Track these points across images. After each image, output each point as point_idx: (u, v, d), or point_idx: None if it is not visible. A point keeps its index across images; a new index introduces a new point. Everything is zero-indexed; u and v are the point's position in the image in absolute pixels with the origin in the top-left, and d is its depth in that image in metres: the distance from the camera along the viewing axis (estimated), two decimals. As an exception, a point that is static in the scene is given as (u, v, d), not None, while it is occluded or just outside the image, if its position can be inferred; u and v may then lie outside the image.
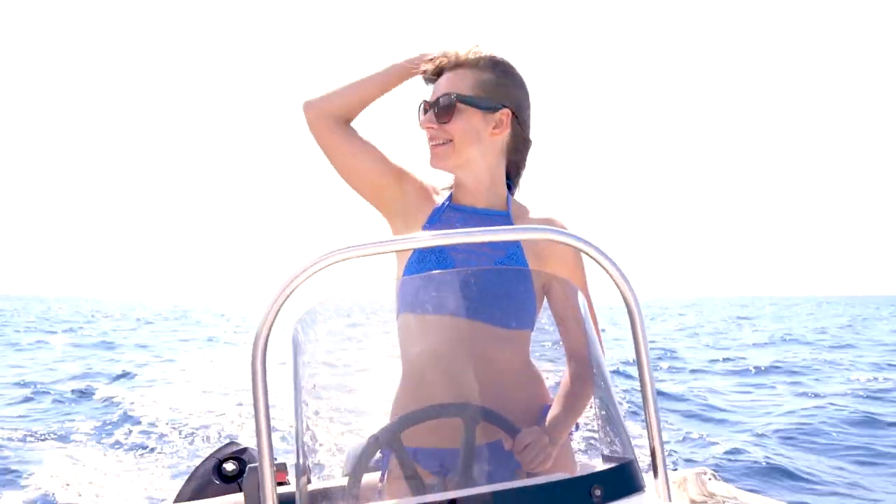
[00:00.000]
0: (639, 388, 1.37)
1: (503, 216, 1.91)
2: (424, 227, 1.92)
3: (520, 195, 2.00)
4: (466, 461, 1.38)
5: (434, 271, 1.75)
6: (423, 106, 1.90)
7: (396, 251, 1.87)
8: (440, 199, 1.97)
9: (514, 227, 1.55)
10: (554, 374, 1.68)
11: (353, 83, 1.95)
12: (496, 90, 1.87)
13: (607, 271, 1.37)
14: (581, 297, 1.63)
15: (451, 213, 1.92)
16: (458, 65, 1.88)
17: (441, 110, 1.85)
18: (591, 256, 1.38)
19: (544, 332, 1.73)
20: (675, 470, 3.07)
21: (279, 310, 1.22)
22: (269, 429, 1.22)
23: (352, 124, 1.97)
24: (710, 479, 2.99)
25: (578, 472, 1.39)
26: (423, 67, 1.92)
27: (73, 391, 13.74)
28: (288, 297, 1.23)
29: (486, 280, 1.63)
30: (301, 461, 1.31)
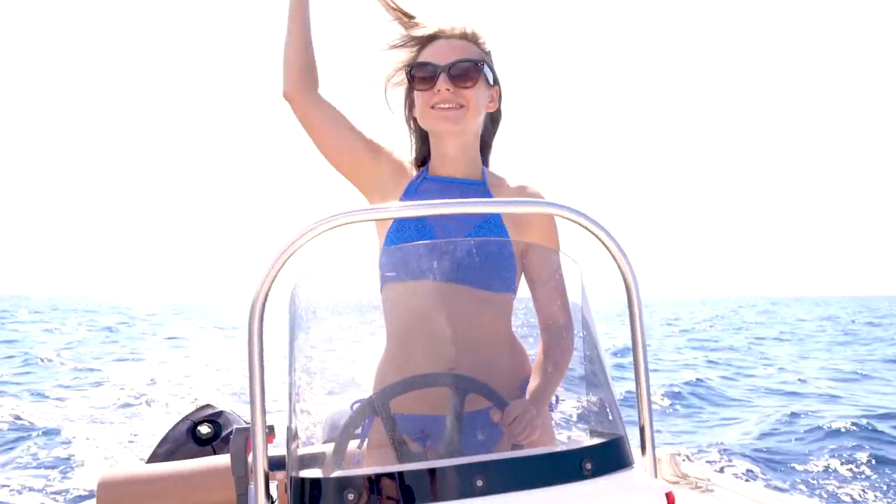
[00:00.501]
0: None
1: (479, 185, 1.94)
2: (401, 199, 1.93)
3: (492, 167, 2.03)
4: (454, 430, 1.38)
5: (415, 242, 1.76)
6: (426, 69, 1.86)
7: (377, 222, 1.88)
8: (413, 171, 1.99)
9: (515, 200, 1.54)
10: (533, 343, 1.69)
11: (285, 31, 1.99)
12: (493, 67, 1.93)
13: (604, 244, 1.36)
14: (560, 262, 1.64)
15: (427, 183, 1.94)
16: (461, 37, 1.90)
17: (462, 74, 1.85)
18: (590, 231, 1.36)
19: (523, 302, 1.74)
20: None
21: (276, 275, 1.22)
22: (263, 392, 1.22)
23: (330, 100, 1.97)
24: (683, 459, 3.03)
25: (568, 446, 1.40)
26: (416, 32, 1.92)
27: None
28: (285, 262, 1.23)
29: (466, 245, 1.65)
30: (293, 425, 1.30)
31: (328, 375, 1.46)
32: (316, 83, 1.98)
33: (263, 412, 1.22)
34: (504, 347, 1.69)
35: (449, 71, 1.84)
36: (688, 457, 3.08)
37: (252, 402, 1.21)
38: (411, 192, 1.94)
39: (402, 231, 1.83)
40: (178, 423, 3.31)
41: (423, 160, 2.03)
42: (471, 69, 1.85)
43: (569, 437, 1.54)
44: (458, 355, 1.47)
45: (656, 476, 1.37)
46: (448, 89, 1.84)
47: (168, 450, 3.17)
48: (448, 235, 1.81)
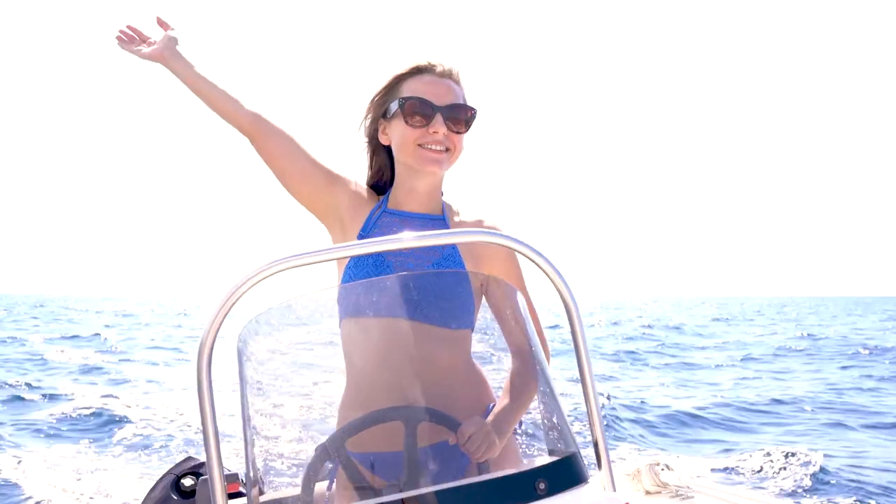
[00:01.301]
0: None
1: (439, 220, 1.94)
2: (360, 233, 1.93)
3: (450, 196, 2.03)
4: (411, 463, 1.40)
5: (374, 278, 1.76)
6: (421, 106, 1.84)
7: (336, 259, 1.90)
8: (371, 202, 1.99)
9: (456, 231, 1.57)
10: (496, 373, 1.71)
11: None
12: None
13: (543, 270, 1.41)
14: (519, 295, 1.66)
15: (387, 217, 1.94)
16: (448, 76, 1.90)
17: (458, 119, 1.86)
18: (527, 257, 1.42)
19: (484, 333, 1.76)
20: (625, 461, 3.12)
21: (223, 320, 1.23)
22: (217, 439, 1.23)
23: (285, 129, 1.98)
24: (662, 469, 3.05)
25: (522, 467, 1.43)
26: (412, 65, 1.89)
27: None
28: (231, 307, 1.24)
29: (425, 282, 1.66)
30: (251, 472, 1.31)
31: (285, 418, 1.47)
32: (257, 117, 1.98)
33: (219, 459, 1.22)
34: (463, 380, 1.70)
35: (446, 113, 1.84)
36: (667, 466, 3.10)
37: (207, 450, 1.22)
38: (370, 226, 1.93)
39: (360, 267, 1.83)
40: (161, 479, 3.29)
41: (379, 184, 2.03)
42: (467, 116, 1.87)
43: (527, 459, 1.57)
44: (417, 391, 1.48)
45: (614, 489, 1.40)
46: (444, 133, 1.84)
47: (152, 505, 3.15)
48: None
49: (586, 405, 1.41)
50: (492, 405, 1.67)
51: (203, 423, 1.22)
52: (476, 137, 2.00)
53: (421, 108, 1.84)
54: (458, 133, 1.86)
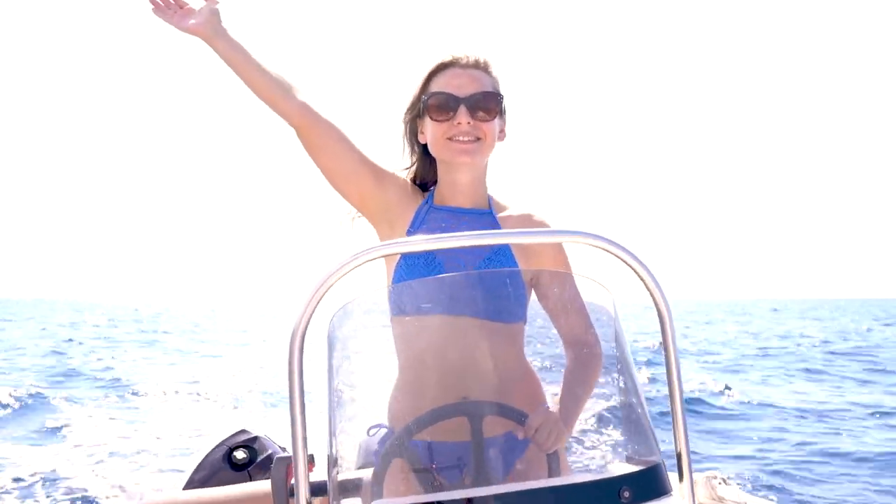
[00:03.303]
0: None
1: (487, 214, 1.94)
2: (409, 230, 1.93)
3: (493, 190, 2.03)
4: (480, 456, 1.41)
5: (426, 278, 1.77)
6: (444, 100, 1.86)
7: (386, 256, 1.91)
8: (418, 198, 1.99)
9: (546, 231, 1.54)
10: (545, 370, 1.70)
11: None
12: (503, 98, 1.92)
13: (638, 274, 1.37)
14: (575, 284, 1.66)
15: (435, 213, 1.94)
16: (475, 66, 1.89)
17: (482, 107, 1.85)
18: (622, 260, 1.38)
19: (534, 328, 1.76)
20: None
21: (316, 306, 1.25)
22: (304, 421, 1.25)
23: (334, 123, 1.94)
24: (720, 483, 2.99)
25: (606, 474, 1.41)
26: (437, 62, 1.91)
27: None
28: (325, 293, 1.26)
29: (478, 278, 1.66)
30: (333, 451, 1.33)
31: (363, 403, 1.49)
32: (307, 107, 1.93)
33: (305, 441, 1.25)
34: (517, 376, 1.69)
35: (468, 103, 1.84)
36: (724, 480, 3.04)
37: (293, 432, 1.24)
38: (418, 223, 1.94)
39: (411, 266, 1.84)
40: (213, 449, 3.34)
41: (423, 182, 2.03)
42: (490, 102, 1.86)
43: (605, 465, 1.54)
44: (472, 386, 1.48)
45: (695, 503, 1.37)
46: (468, 122, 1.83)
47: (204, 476, 3.20)
48: (458, 270, 1.81)
49: (672, 413, 1.37)
50: (545, 404, 1.66)
51: (291, 407, 1.25)
52: (516, 132, 2.00)
53: (444, 102, 1.84)
54: (484, 121, 1.84)
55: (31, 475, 7.35)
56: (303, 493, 1.26)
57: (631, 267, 1.37)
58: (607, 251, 1.39)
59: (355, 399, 1.47)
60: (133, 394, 13.45)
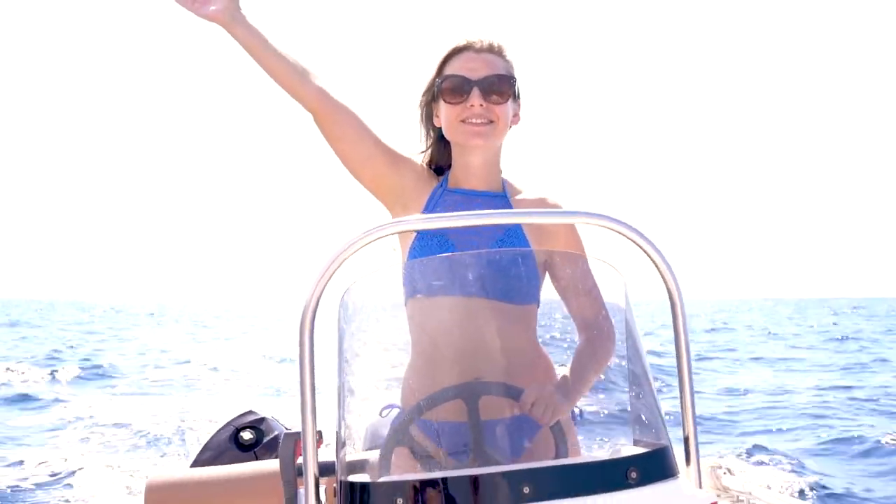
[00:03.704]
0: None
1: (501, 197, 1.95)
2: (423, 213, 1.93)
3: (508, 173, 2.03)
4: (479, 437, 1.41)
5: (444, 254, 1.78)
6: (457, 82, 1.86)
7: (400, 236, 1.91)
8: (432, 182, 2.00)
9: (555, 211, 1.53)
10: (559, 351, 1.71)
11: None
12: (517, 81, 1.93)
13: (648, 255, 1.37)
14: (588, 267, 1.65)
15: (449, 195, 1.95)
16: (489, 49, 1.90)
17: (494, 90, 1.86)
18: (632, 240, 1.37)
19: (548, 311, 1.76)
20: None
21: (327, 283, 1.25)
22: (314, 398, 1.25)
23: (351, 108, 1.95)
24: (724, 472, 3.00)
25: (613, 454, 1.41)
26: (452, 46, 1.92)
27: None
28: (336, 270, 1.26)
29: (491, 259, 1.67)
30: (342, 430, 1.33)
31: (374, 383, 1.49)
32: (324, 93, 1.93)
33: (314, 417, 1.25)
34: (529, 357, 1.71)
35: (482, 86, 1.85)
36: (729, 470, 3.05)
37: (303, 407, 1.24)
38: (432, 205, 1.95)
39: (425, 247, 1.84)
40: (220, 430, 3.35)
41: (437, 166, 2.05)
42: (503, 85, 1.86)
43: (613, 446, 1.55)
44: (484, 368, 1.49)
45: (701, 486, 1.37)
46: (481, 104, 1.84)
47: (211, 456, 3.22)
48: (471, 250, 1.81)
49: (680, 399, 1.38)
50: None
51: (301, 384, 1.25)
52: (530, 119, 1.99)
53: (458, 85, 1.86)
54: (497, 104, 1.86)
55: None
56: (311, 469, 1.26)
57: (641, 248, 1.36)
58: (617, 232, 1.38)
59: (365, 379, 1.47)
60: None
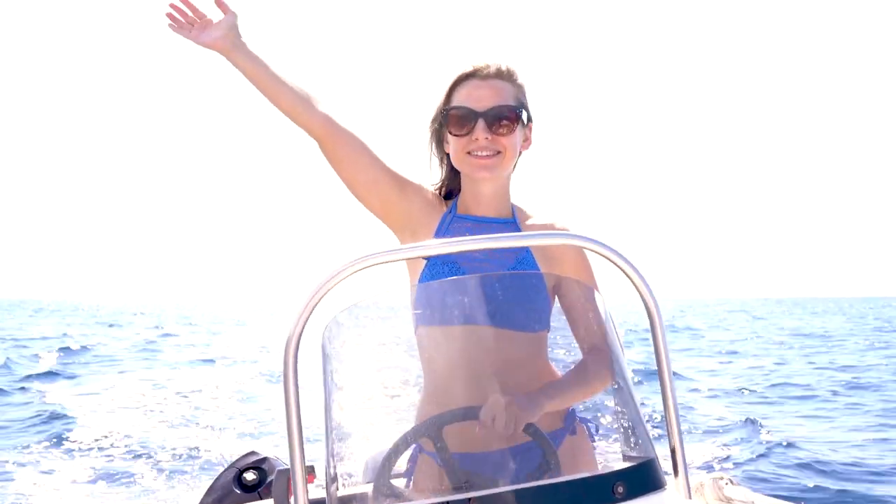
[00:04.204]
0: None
1: (511, 223, 1.93)
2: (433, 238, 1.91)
3: (515, 198, 2.01)
4: (451, 468, 1.42)
5: (451, 278, 1.75)
6: (462, 114, 1.84)
7: (409, 263, 1.88)
8: (441, 208, 1.98)
9: (539, 233, 1.54)
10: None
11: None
12: (526, 105, 1.89)
13: (627, 275, 1.40)
14: (597, 295, 1.65)
15: (458, 222, 1.93)
16: (496, 75, 1.86)
17: (500, 122, 1.82)
18: (610, 260, 1.40)
19: (557, 333, 1.75)
20: (691, 475, 3.04)
21: (310, 315, 1.24)
22: (301, 432, 1.24)
23: (356, 133, 1.93)
24: (727, 483, 2.99)
25: (599, 470, 1.42)
26: (459, 73, 1.88)
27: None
28: (318, 302, 1.25)
29: (501, 285, 1.65)
30: (331, 466, 1.33)
31: (365, 415, 1.49)
32: (329, 119, 1.91)
33: (302, 452, 1.23)
34: (542, 380, 1.69)
35: (486, 118, 1.81)
36: (731, 480, 3.04)
37: (290, 443, 1.22)
38: (442, 232, 1.93)
39: (436, 275, 1.82)
40: (223, 472, 3.35)
41: (448, 191, 2.02)
42: (509, 115, 1.82)
43: (602, 462, 1.56)
44: (497, 394, 1.45)
45: (690, 497, 1.39)
46: (486, 137, 1.81)
47: (216, 498, 3.21)
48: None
49: (665, 411, 1.40)
50: (572, 409, 1.67)
51: (287, 417, 1.23)
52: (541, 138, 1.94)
53: (462, 117, 1.83)
54: (503, 135, 1.82)
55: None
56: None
57: (616, 265, 1.40)
58: (594, 251, 1.41)
59: (352, 412, 1.46)
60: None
